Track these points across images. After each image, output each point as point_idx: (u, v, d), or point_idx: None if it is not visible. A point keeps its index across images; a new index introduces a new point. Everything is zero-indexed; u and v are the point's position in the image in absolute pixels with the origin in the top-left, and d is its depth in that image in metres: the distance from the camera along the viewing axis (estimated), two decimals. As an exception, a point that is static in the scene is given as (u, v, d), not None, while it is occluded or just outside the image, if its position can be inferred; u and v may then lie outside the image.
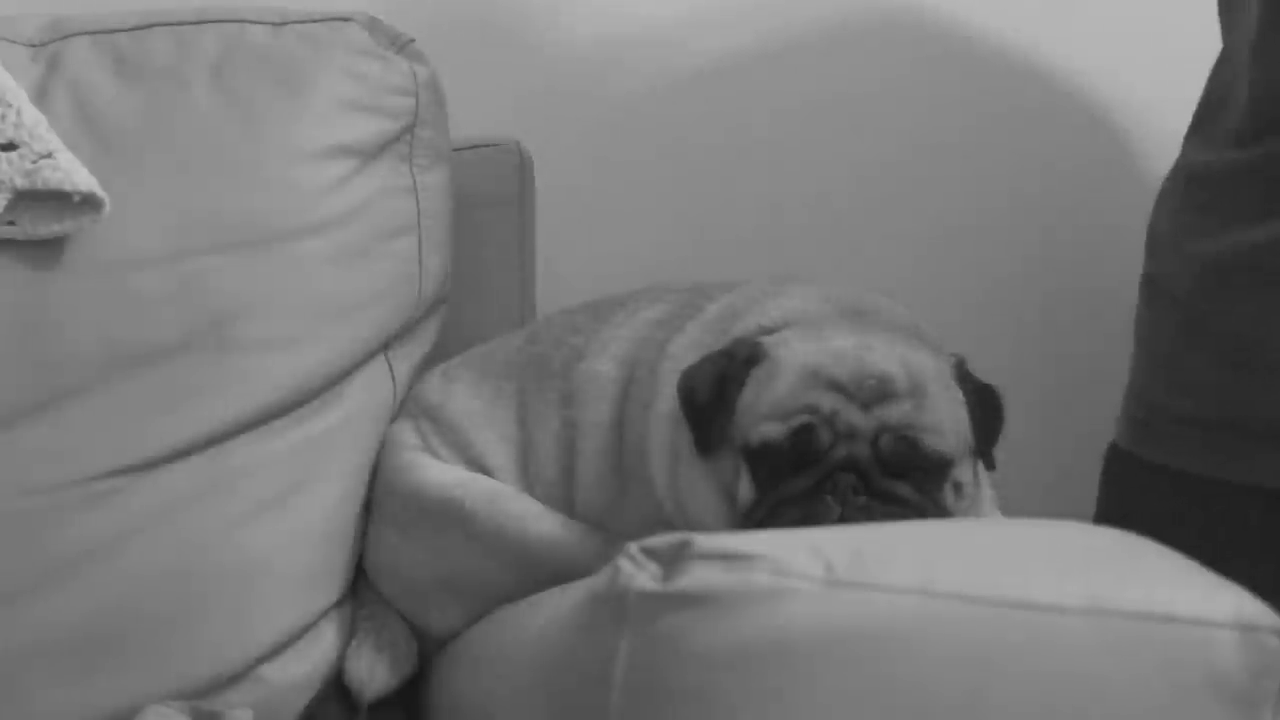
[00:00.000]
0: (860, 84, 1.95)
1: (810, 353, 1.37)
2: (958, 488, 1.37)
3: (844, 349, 1.37)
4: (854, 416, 1.34)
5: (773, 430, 1.35)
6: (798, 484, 1.35)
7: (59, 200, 1.50)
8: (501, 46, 1.89)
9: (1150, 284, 1.68)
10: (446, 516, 1.50)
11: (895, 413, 1.35)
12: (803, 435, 1.35)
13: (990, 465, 1.41)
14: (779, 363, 1.37)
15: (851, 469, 1.34)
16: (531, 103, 1.90)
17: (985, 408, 1.40)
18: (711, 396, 1.38)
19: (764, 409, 1.36)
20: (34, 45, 1.59)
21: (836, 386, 1.35)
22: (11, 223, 1.49)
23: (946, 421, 1.37)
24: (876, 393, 1.35)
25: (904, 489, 1.35)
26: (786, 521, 1.31)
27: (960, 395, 1.39)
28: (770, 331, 1.41)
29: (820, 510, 1.33)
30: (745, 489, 1.37)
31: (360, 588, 1.57)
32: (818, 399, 1.35)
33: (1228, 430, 1.58)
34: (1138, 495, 1.65)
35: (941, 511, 1.36)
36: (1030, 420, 1.55)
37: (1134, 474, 1.66)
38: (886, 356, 1.36)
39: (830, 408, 1.35)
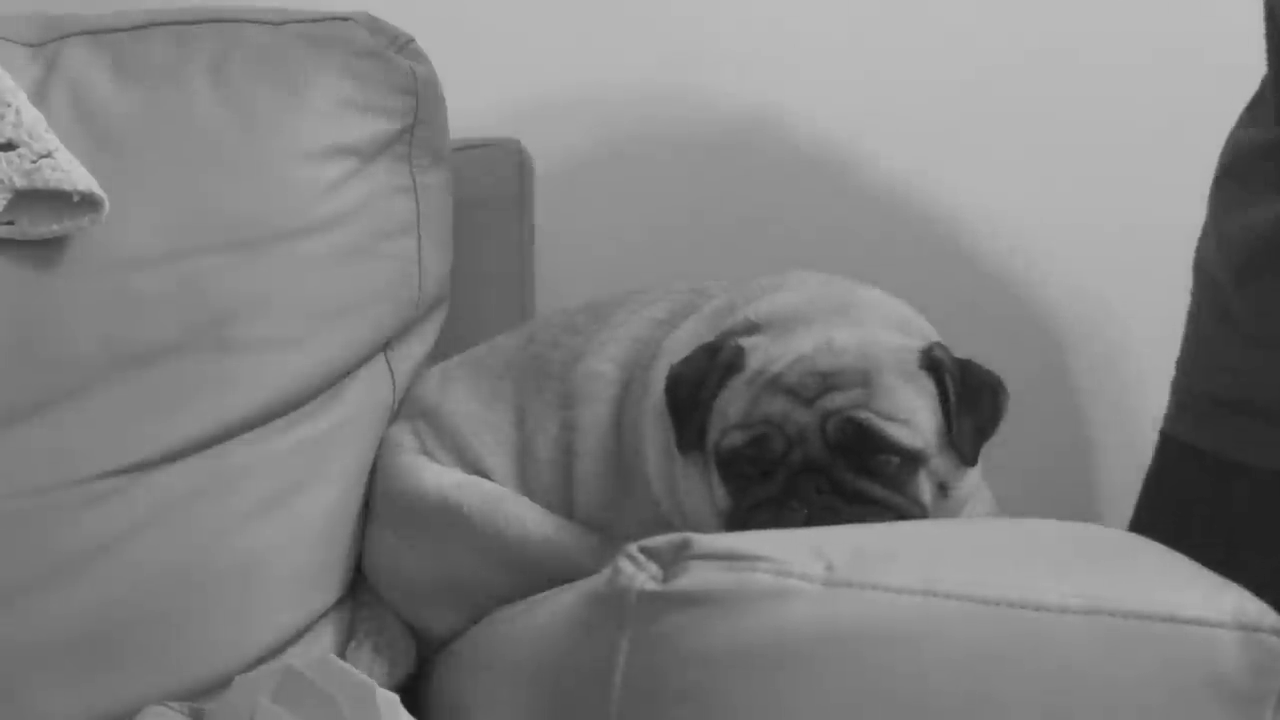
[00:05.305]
0: (861, 79, 1.95)
1: (773, 359, 1.37)
2: (943, 488, 1.36)
3: (803, 350, 1.36)
4: (799, 415, 1.34)
5: (736, 440, 1.36)
6: (765, 490, 1.35)
7: (58, 200, 1.49)
8: (501, 46, 1.88)
9: (1197, 261, 1.66)
10: (444, 519, 1.50)
11: (839, 400, 1.34)
12: (760, 445, 1.35)
13: (967, 458, 1.36)
14: (748, 370, 1.37)
15: (814, 470, 1.34)
16: (531, 103, 1.90)
17: (967, 391, 1.36)
18: (689, 398, 1.38)
19: (732, 418, 1.37)
20: (33, 45, 1.58)
21: (787, 390, 1.35)
22: (10, 222, 1.49)
23: (909, 411, 1.35)
24: (820, 387, 1.34)
25: (874, 488, 1.34)
26: (758, 526, 1.32)
27: (930, 384, 1.37)
28: (756, 327, 1.41)
29: (785, 515, 1.33)
30: (720, 494, 1.37)
31: (359, 588, 1.57)
32: (772, 407, 1.35)
33: (1249, 412, 1.56)
34: (1173, 478, 1.63)
35: (919, 509, 1.35)
36: (1030, 421, 1.54)
37: (1172, 456, 1.65)
38: (841, 351, 1.36)
39: (781, 413, 1.35)
